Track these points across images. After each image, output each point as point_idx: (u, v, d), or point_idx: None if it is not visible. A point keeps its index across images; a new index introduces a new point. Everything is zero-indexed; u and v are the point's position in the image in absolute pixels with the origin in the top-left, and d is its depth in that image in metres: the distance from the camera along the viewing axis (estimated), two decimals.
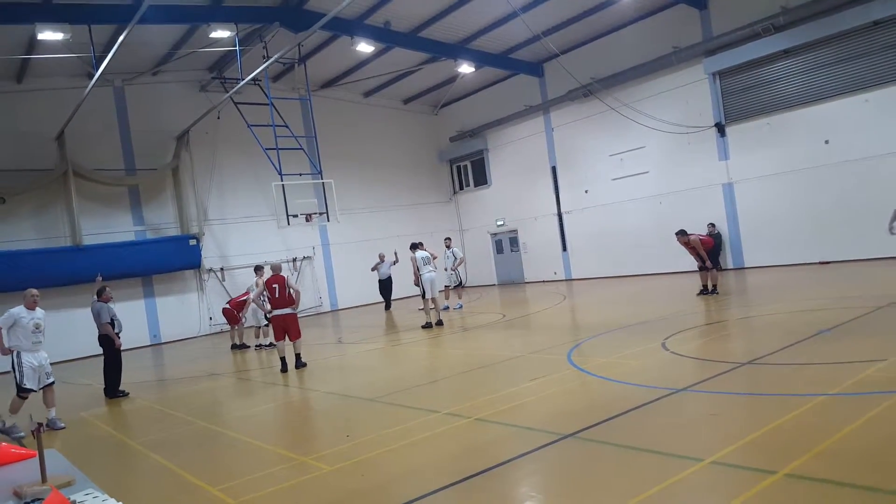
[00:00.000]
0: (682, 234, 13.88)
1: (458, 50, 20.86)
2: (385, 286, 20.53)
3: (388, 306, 20.74)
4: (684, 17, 18.32)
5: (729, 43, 17.28)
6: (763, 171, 17.26)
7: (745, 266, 18.02)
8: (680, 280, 17.69)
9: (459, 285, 18.35)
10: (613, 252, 21.25)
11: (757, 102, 17.38)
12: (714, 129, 18.20)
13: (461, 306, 18.01)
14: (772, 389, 6.05)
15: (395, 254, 20.20)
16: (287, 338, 11.10)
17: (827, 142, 15.95)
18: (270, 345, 14.62)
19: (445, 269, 18.07)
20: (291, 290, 11.09)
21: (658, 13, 18.87)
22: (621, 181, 20.77)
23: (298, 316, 11.44)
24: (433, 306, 14.48)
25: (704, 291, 13.58)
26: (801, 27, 15.81)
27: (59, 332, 17.66)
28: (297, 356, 11.19)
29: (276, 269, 11.40)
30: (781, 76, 16.80)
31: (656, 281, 18.33)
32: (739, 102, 17.78)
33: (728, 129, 18.00)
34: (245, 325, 15.48)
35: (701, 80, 18.26)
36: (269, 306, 11.33)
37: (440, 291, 17.91)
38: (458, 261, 17.99)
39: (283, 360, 11.10)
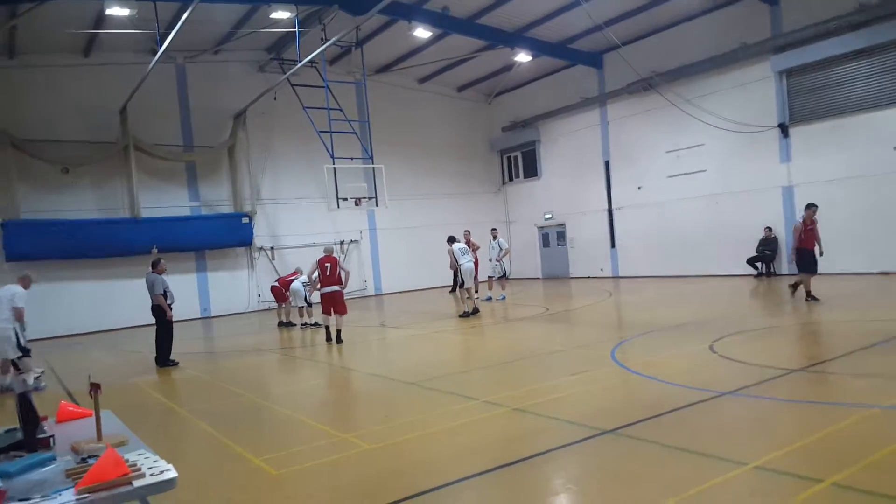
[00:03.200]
0: (813, 208, 11.92)
1: (515, 38, 20.62)
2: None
3: (453, 289, 20.72)
4: (754, 11, 17.62)
5: (799, 41, 16.54)
6: (826, 176, 16.50)
7: None
8: (732, 282, 17.19)
9: (503, 276, 18.27)
10: (664, 251, 20.76)
11: (825, 104, 16.63)
12: (777, 129, 17.52)
13: (504, 297, 17.95)
14: (822, 398, 5.85)
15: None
16: (333, 311, 12.08)
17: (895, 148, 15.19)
18: (315, 324, 14.97)
19: (490, 260, 18.03)
20: (341, 271, 12.20)
21: (726, 7, 18.20)
22: (677, 178, 20.24)
23: (344, 297, 12.29)
24: (468, 296, 14.61)
25: (812, 298, 11.84)
26: (879, 26, 15.01)
27: (115, 300, 18.56)
28: (338, 332, 12.08)
29: (328, 250, 12.60)
30: (853, 77, 16.02)
31: (707, 282, 17.84)
32: (806, 103, 17.05)
33: (792, 131, 17.29)
34: (292, 305, 15.79)
35: (767, 78, 17.57)
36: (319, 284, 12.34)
37: (483, 282, 17.91)
38: (503, 252, 17.91)
39: (327, 330, 12.26)
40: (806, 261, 11.82)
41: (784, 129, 17.41)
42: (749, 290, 15.57)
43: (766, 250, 17.76)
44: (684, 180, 20.00)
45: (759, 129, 17.72)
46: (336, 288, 12.07)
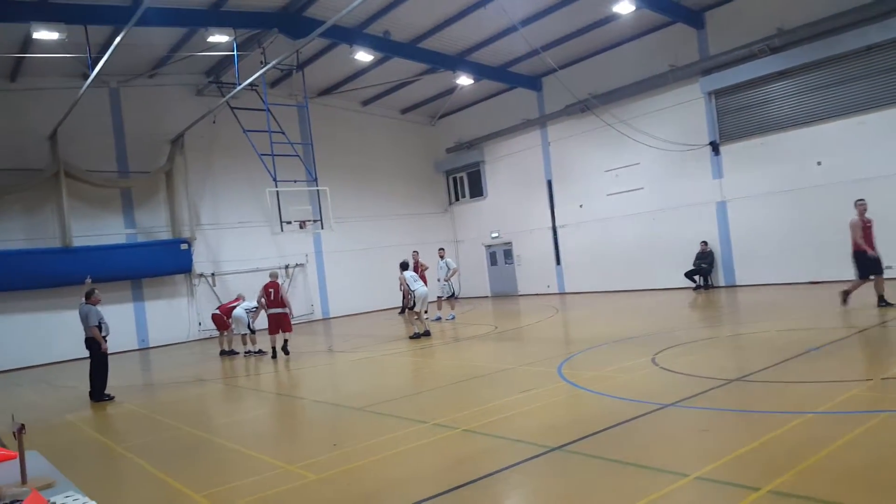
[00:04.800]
0: (863, 203, 11.14)
1: (457, 62, 20.95)
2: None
3: (402, 311, 20.04)
4: (682, 36, 18.48)
5: (725, 63, 17.43)
6: (756, 191, 17.36)
7: (737, 284, 18.07)
8: (671, 295, 17.74)
9: (452, 296, 18.30)
10: (607, 267, 21.27)
11: (752, 122, 17.51)
12: (709, 147, 18.31)
13: (454, 317, 17.96)
14: (759, 406, 6.05)
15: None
16: (280, 331, 13.63)
17: (819, 163, 16.08)
18: (259, 352, 14.62)
19: (438, 280, 18.02)
20: (283, 295, 13.67)
21: (656, 31, 19.03)
22: (616, 197, 20.85)
23: (290, 317, 13.92)
24: (417, 317, 14.61)
25: (884, 303, 10.98)
26: (797, 49, 15.96)
27: (47, 334, 17.65)
28: (286, 342, 13.73)
29: (273, 276, 14.17)
30: (777, 97, 16.95)
31: (648, 297, 18.35)
32: (734, 122, 17.91)
33: (722, 148, 18.11)
34: (234, 332, 15.35)
35: (697, 99, 18.39)
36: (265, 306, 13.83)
37: (432, 302, 17.89)
38: (451, 272, 17.96)
39: (273, 349, 13.71)
40: (869, 263, 10.97)
41: (715, 147, 18.20)
42: (688, 302, 16.09)
43: (703, 263, 18.42)
44: (623, 198, 20.61)
45: (692, 148, 18.48)
46: (281, 310, 13.57)
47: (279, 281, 14.09)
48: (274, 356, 13.54)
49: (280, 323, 13.59)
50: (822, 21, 15.43)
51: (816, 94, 16.17)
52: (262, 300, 13.82)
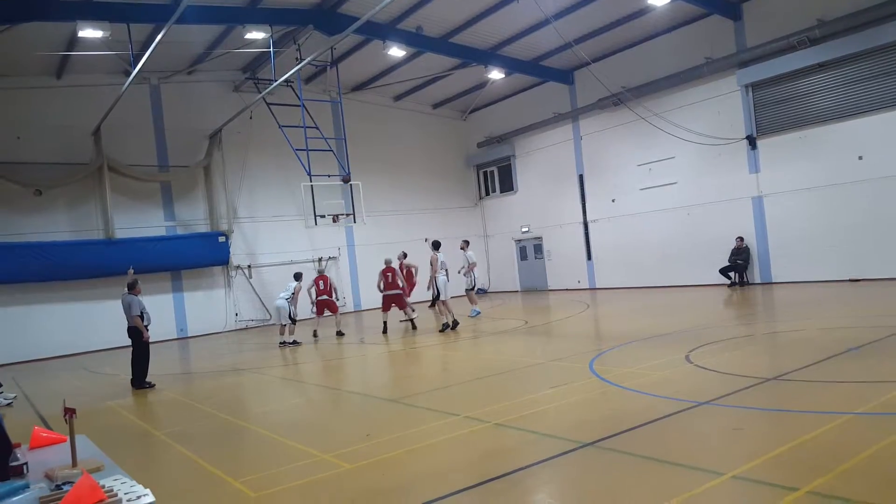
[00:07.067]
0: None
1: (488, 56, 20.91)
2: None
3: (432, 304, 20.33)
4: (718, 27, 18.13)
5: (763, 55, 17.05)
6: (794, 186, 16.98)
7: (773, 281, 17.72)
8: (706, 292, 17.48)
9: (472, 290, 18.28)
10: (639, 262, 21.06)
11: (790, 116, 17.12)
12: (745, 141, 17.96)
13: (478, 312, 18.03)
14: (797, 406, 5.95)
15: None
16: (394, 306, 15.51)
17: (861, 157, 15.65)
18: (294, 342, 14.90)
19: (458, 272, 17.99)
20: (398, 279, 15.52)
21: (691, 23, 18.71)
22: (649, 191, 20.60)
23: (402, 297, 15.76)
24: (448, 309, 14.69)
25: None
26: (838, 41, 15.55)
27: (90, 322, 18.27)
28: (411, 321, 15.65)
29: (388, 262, 15.82)
30: (816, 90, 16.53)
31: (682, 293, 18.10)
32: (772, 115, 17.52)
33: (759, 142, 17.75)
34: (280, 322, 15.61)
35: (733, 92, 18.04)
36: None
37: (461, 296, 17.95)
38: (469, 265, 17.91)
39: (385, 324, 15.45)
40: None
41: (752, 141, 17.85)
42: (723, 299, 15.84)
43: (739, 260, 18.09)
44: (656, 192, 20.36)
45: (728, 142, 18.14)
46: (397, 291, 15.48)
47: (394, 266, 15.75)
48: (385, 331, 15.18)
49: (395, 301, 15.52)
50: (863, 12, 15.02)
51: (858, 87, 15.72)
52: (381, 284, 15.67)
